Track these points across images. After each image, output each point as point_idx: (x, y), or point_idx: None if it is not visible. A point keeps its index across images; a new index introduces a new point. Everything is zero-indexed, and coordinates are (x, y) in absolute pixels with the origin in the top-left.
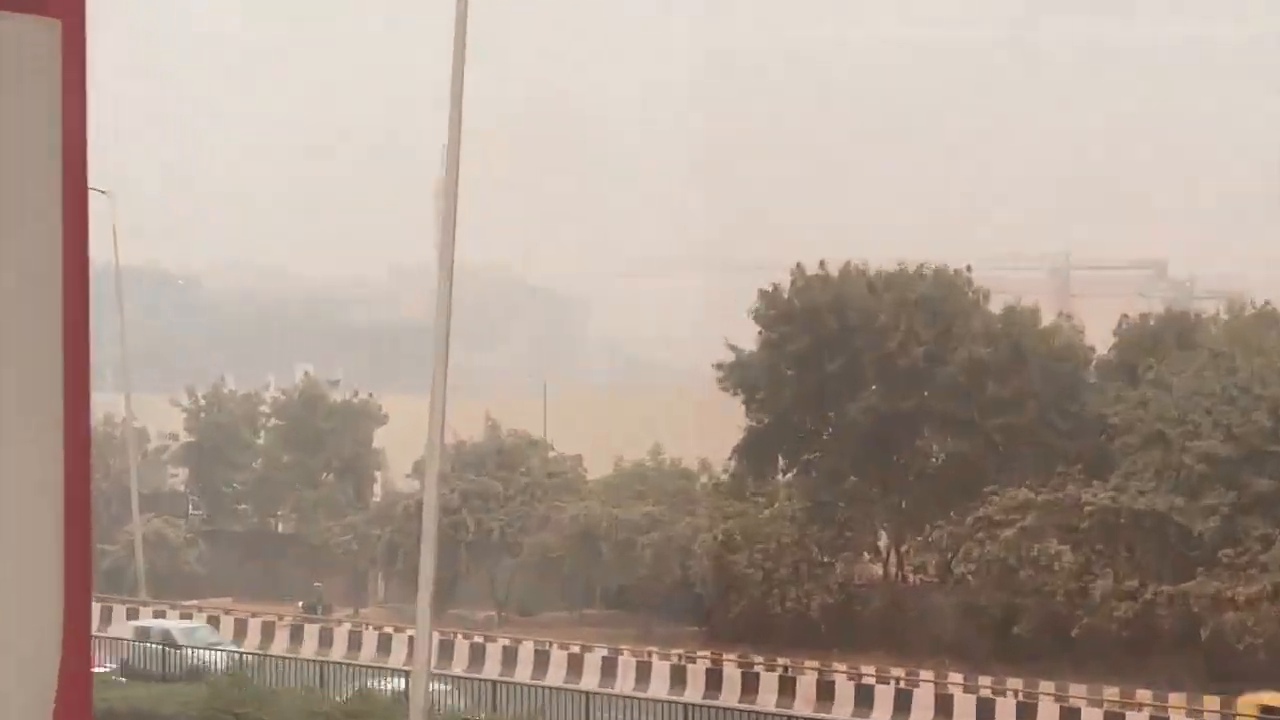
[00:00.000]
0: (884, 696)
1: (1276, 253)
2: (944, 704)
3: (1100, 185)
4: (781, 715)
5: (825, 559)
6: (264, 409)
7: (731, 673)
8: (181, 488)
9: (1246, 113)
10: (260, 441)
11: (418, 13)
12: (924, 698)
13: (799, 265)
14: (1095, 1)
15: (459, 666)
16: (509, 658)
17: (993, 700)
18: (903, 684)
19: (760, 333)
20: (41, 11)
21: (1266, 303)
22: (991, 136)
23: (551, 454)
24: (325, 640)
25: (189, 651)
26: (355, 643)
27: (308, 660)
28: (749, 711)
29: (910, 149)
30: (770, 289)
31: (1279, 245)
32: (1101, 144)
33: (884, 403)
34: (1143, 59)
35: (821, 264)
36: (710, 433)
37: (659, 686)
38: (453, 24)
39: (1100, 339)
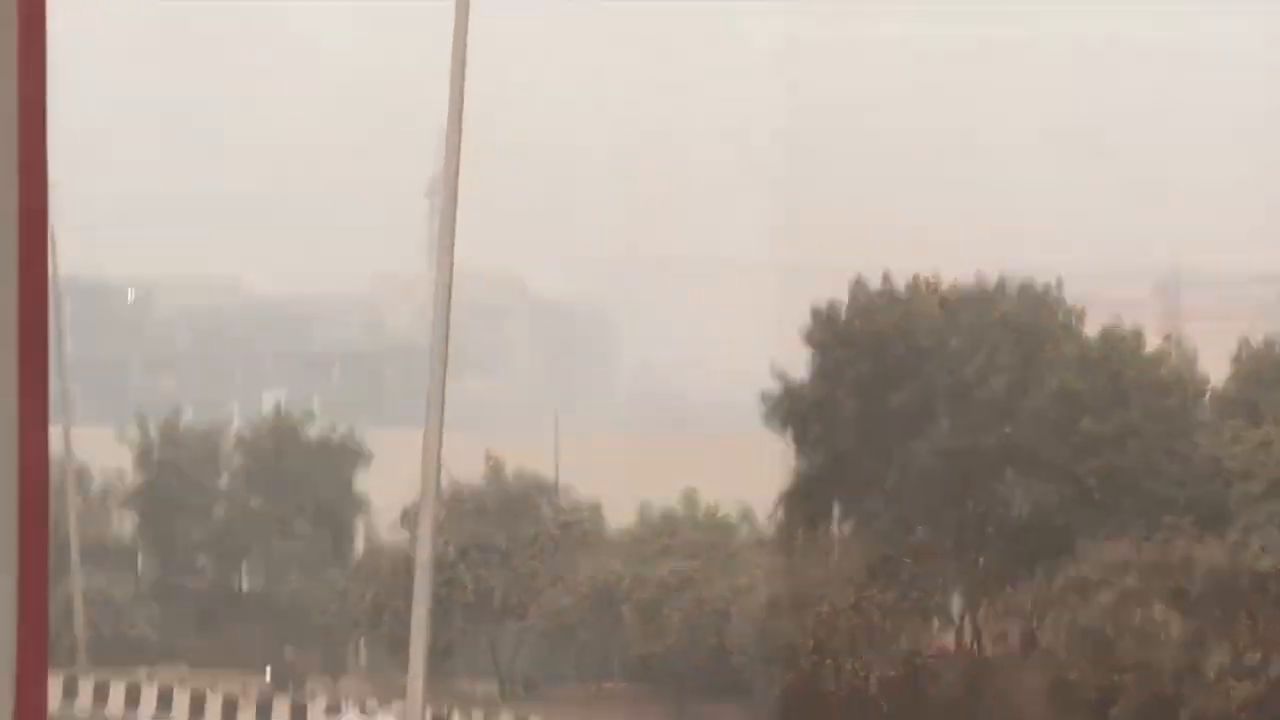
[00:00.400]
0: None
1: None
2: None
3: (1216, 187)
4: None
5: (888, 625)
6: (227, 445)
7: None
8: (129, 538)
9: None
10: (222, 484)
11: None
12: None
13: (859, 278)
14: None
15: None
16: None
17: None
18: None
19: (814, 358)
20: None
21: None
22: (1085, 130)
23: (564, 500)
24: (297, 716)
25: None
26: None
27: None
28: None
29: (988, 144)
30: (825, 307)
31: None
32: (1217, 139)
33: (958, 441)
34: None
35: (886, 277)
36: (753, 476)
37: None
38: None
39: (1216, 368)
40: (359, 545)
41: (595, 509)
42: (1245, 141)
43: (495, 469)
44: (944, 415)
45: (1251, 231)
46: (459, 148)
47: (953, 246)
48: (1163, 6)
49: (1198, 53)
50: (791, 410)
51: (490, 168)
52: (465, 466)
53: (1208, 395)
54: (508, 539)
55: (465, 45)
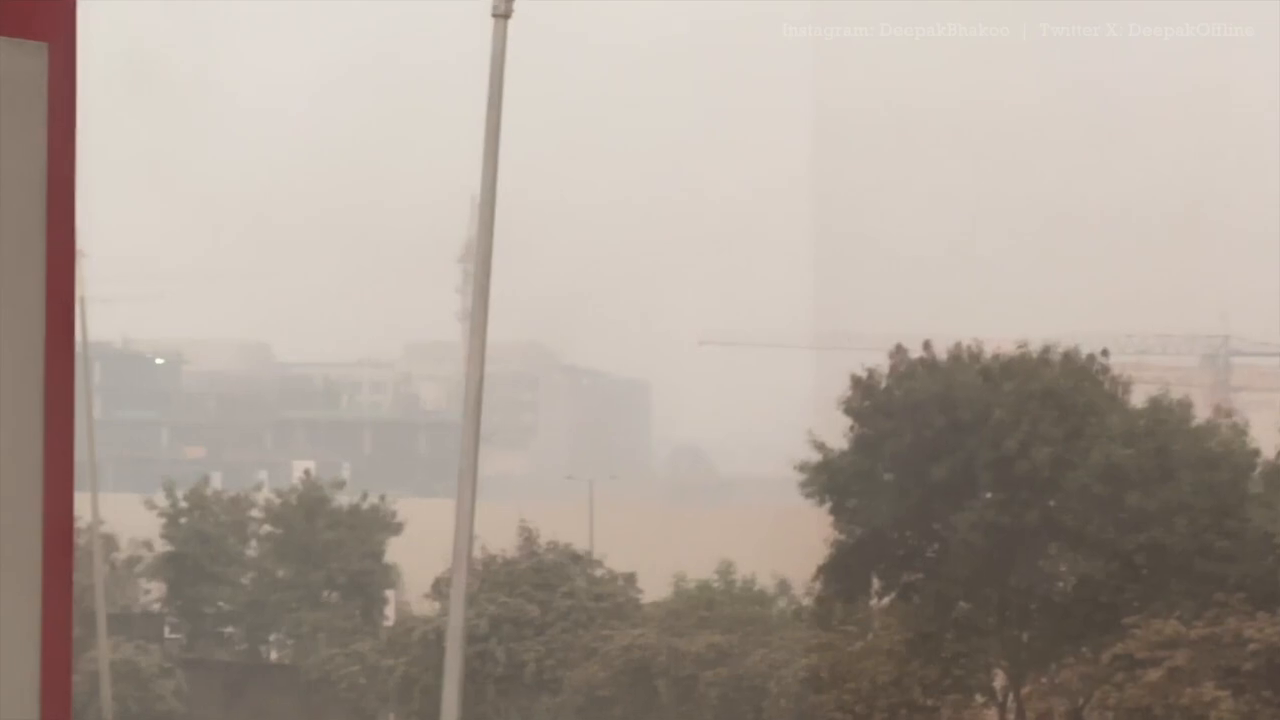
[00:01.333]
0: None
1: None
2: None
3: (1267, 251)
4: None
5: (929, 702)
6: (255, 514)
7: None
8: (156, 606)
9: None
10: (251, 553)
11: (447, 37)
12: None
13: (899, 346)
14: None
15: None
16: None
17: None
18: None
19: (853, 428)
20: (27, 34)
21: None
22: (1133, 192)
23: (598, 572)
24: None
25: None
26: None
27: None
28: None
29: (1033, 207)
30: (865, 375)
31: None
32: (1270, 203)
33: (1001, 515)
34: None
35: (927, 345)
36: (791, 548)
37: None
38: (488, 59)
39: (1267, 440)
40: (390, 616)
41: (630, 581)
42: None
43: (529, 540)
44: (986, 488)
45: None
46: (493, 213)
47: (994, 313)
48: (1209, 65)
49: (1247, 112)
50: (830, 481)
51: (525, 235)
52: (498, 537)
53: (1259, 468)
54: (541, 611)
55: (500, 109)
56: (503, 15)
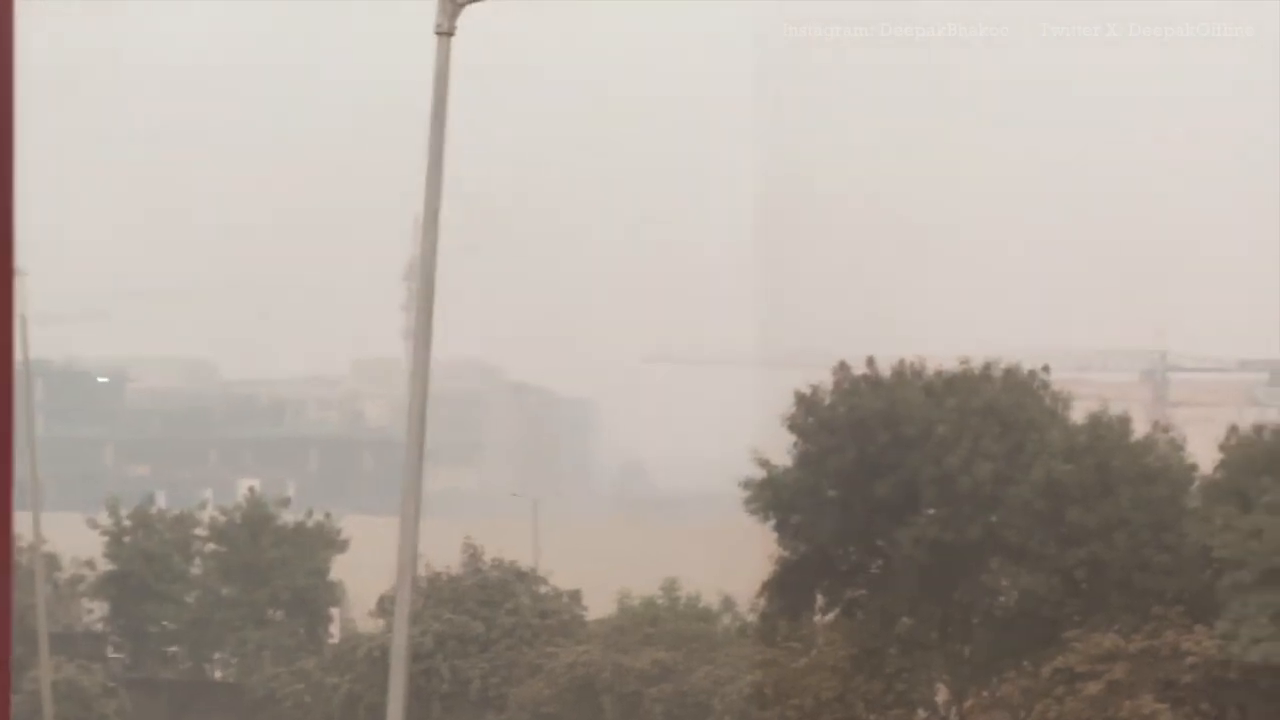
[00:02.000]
0: None
1: None
2: None
3: (1204, 271)
4: None
5: (872, 717)
6: (200, 532)
7: None
8: (99, 626)
9: None
10: (195, 571)
11: (390, 60)
12: None
13: (843, 363)
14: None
15: None
16: None
17: None
18: None
19: (796, 445)
20: None
21: None
22: (1073, 214)
23: (543, 589)
24: None
25: None
26: None
27: None
28: None
29: (972, 227)
30: (809, 392)
31: None
32: (1206, 222)
33: (944, 530)
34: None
35: (870, 362)
36: (735, 565)
37: None
38: (431, 80)
39: (1205, 455)
40: (335, 634)
41: (575, 598)
42: (1235, 226)
43: (473, 556)
44: (930, 504)
45: (1238, 317)
46: (436, 231)
47: (937, 330)
48: (1161, 94)
49: (1192, 139)
50: (774, 498)
51: (471, 252)
52: (443, 554)
53: (1196, 483)
54: (486, 628)
55: (444, 127)
56: (446, 33)
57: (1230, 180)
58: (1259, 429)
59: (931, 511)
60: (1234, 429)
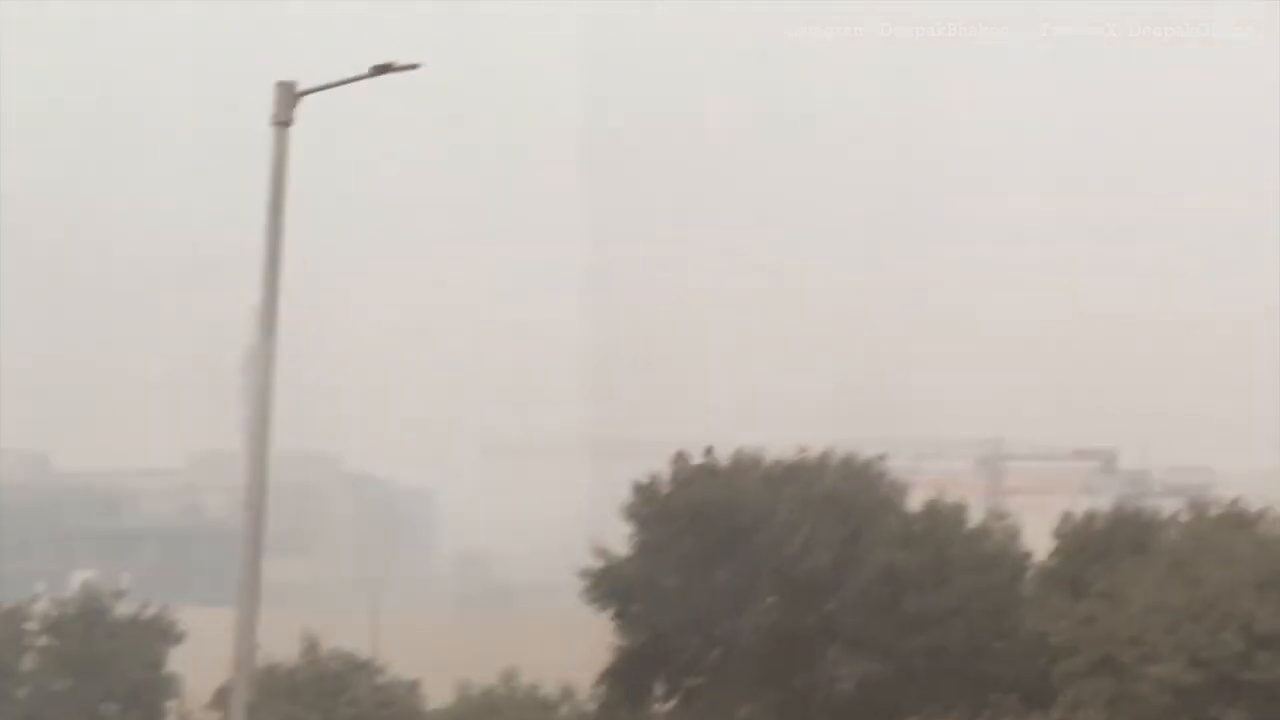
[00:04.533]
0: None
1: (1245, 440)
2: None
3: (1039, 362)
4: None
5: None
6: (31, 626)
7: None
8: None
9: (1210, 278)
10: (27, 666)
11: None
12: None
13: (680, 452)
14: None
15: None
16: None
17: None
18: None
19: (635, 534)
20: None
21: (1235, 500)
22: (907, 300)
23: (382, 679)
24: None
25: None
26: None
27: None
28: None
29: (812, 314)
30: (647, 481)
31: (1248, 432)
32: (1042, 314)
33: (783, 618)
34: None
35: (708, 451)
36: (574, 654)
37: None
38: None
39: (1039, 543)
40: None
41: (413, 688)
42: (1067, 320)
43: (311, 648)
44: (768, 592)
45: (1071, 407)
46: (274, 321)
47: (775, 419)
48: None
49: (1006, 218)
50: (612, 587)
51: (310, 344)
52: (281, 645)
53: (1031, 570)
54: (324, 719)
55: (282, 218)
56: (283, 124)
57: (1061, 276)
58: (1091, 516)
59: (770, 599)
60: (1067, 516)
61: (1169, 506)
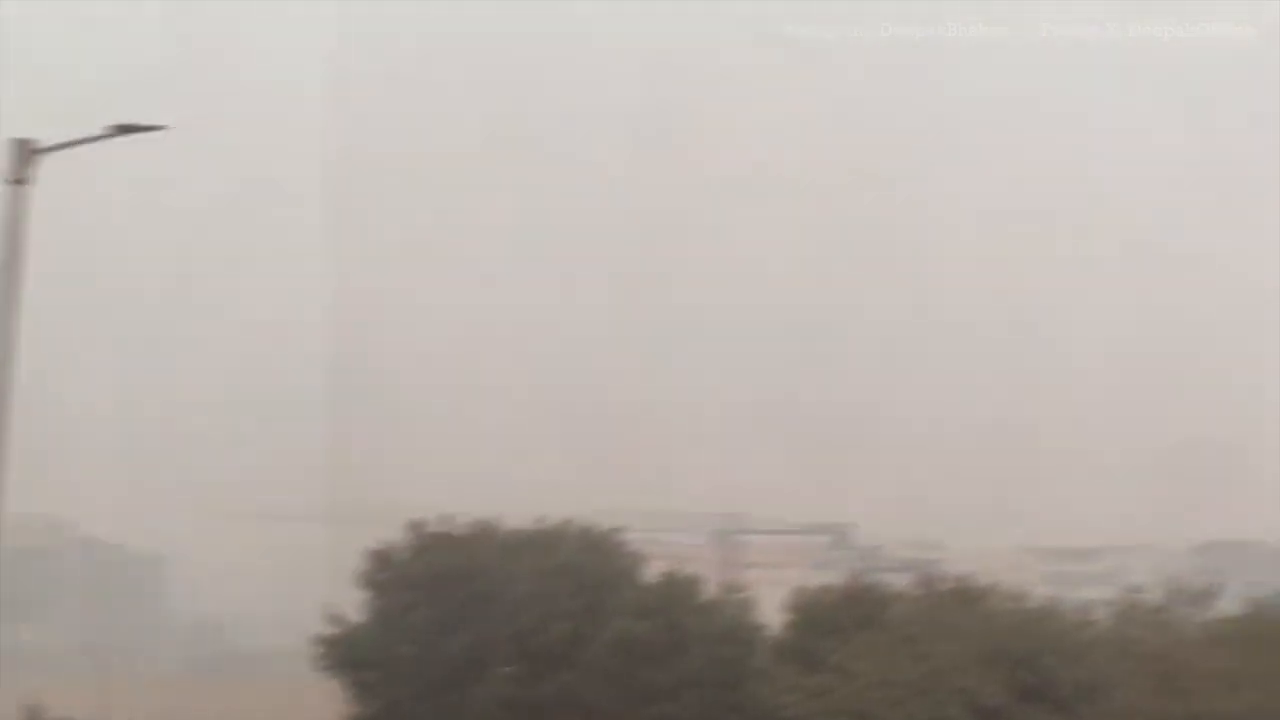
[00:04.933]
0: None
1: (975, 519)
2: None
3: (776, 435)
4: None
5: None
6: None
7: None
8: None
9: (937, 356)
10: None
11: None
12: None
13: (418, 520)
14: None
15: None
16: None
17: None
18: None
19: (371, 601)
20: None
21: (963, 577)
22: (643, 375)
23: None
24: None
25: None
26: None
27: None
28: None
29: (556, 386)
30: (383, 548)
31: (977, 510)
32: (775, 382)
33: (519, 688)
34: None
35: (446, 519)
36: None
37: None
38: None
39: (773, 616)
40: None
41: None
42: (801, 400)
43: (34, 715)
44: (505, 661)
45: (807, 482)
46: (9, 384)
47: (514, 489)
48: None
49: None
50: (347, 655)
51: (35, 406)
52: (4, 711)
53: (765, 643)
54: None
55: (19, 277)
56: (19, 182)
57: (799, 352)
58: (824, 590)
59: (507, 669)
60: (801, 590)
61: (900, 582)
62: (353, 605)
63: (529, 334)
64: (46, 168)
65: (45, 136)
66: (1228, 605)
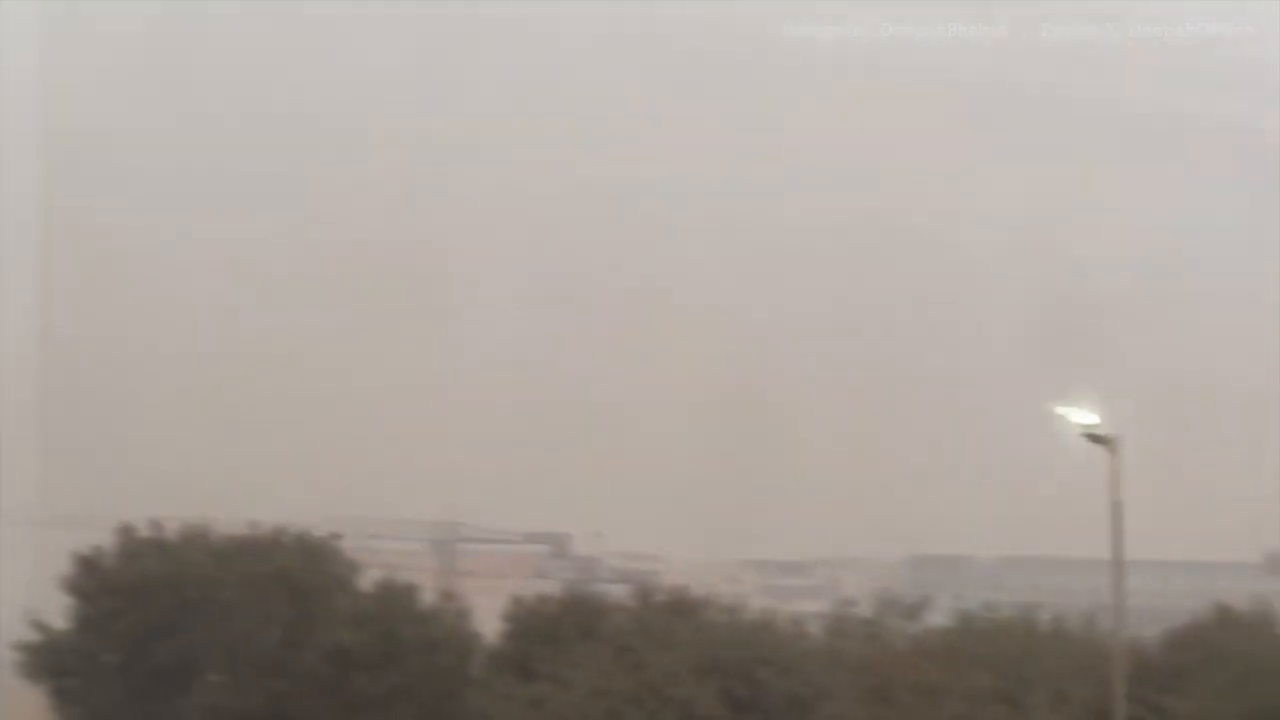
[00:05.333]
0: None
1: (688, 533)
2: None
3: (493, 443)
4: None
5: None
6: None
7: None
8: None
9: (659, 373)
10: None
11: None
12: None
13: (126, 524)
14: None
15: None
16: None
17: None
18: None
19: (76, 607)
20: None
21: (680, 588)
22: (367, 373)
23: None
24: None
25: None
26: None
27: None
28: None
29: (273, 388)
30: (90, 553)
31: (690, 524)
32: (494, 393)
33: (228, 697)
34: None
35: (155, 524)
36: None
37: None
38: None
39: (490, 625)
40: None
41: None
42: (532, 399)
43: None
44: (214, 670)
45: (525, 491)
46: None
47: (226, 494)
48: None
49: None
50: (50, 662)
51: None
52: None
53: (481, 652)
54: None
55: None
56: None
57: (532, 361)
58: (542, 600)
59: (216, 678)
60: (518, 600)
61: (618, 592)
62: (58, 611)
63: (242, 334)
64: None
65: None
66: (937, 618)
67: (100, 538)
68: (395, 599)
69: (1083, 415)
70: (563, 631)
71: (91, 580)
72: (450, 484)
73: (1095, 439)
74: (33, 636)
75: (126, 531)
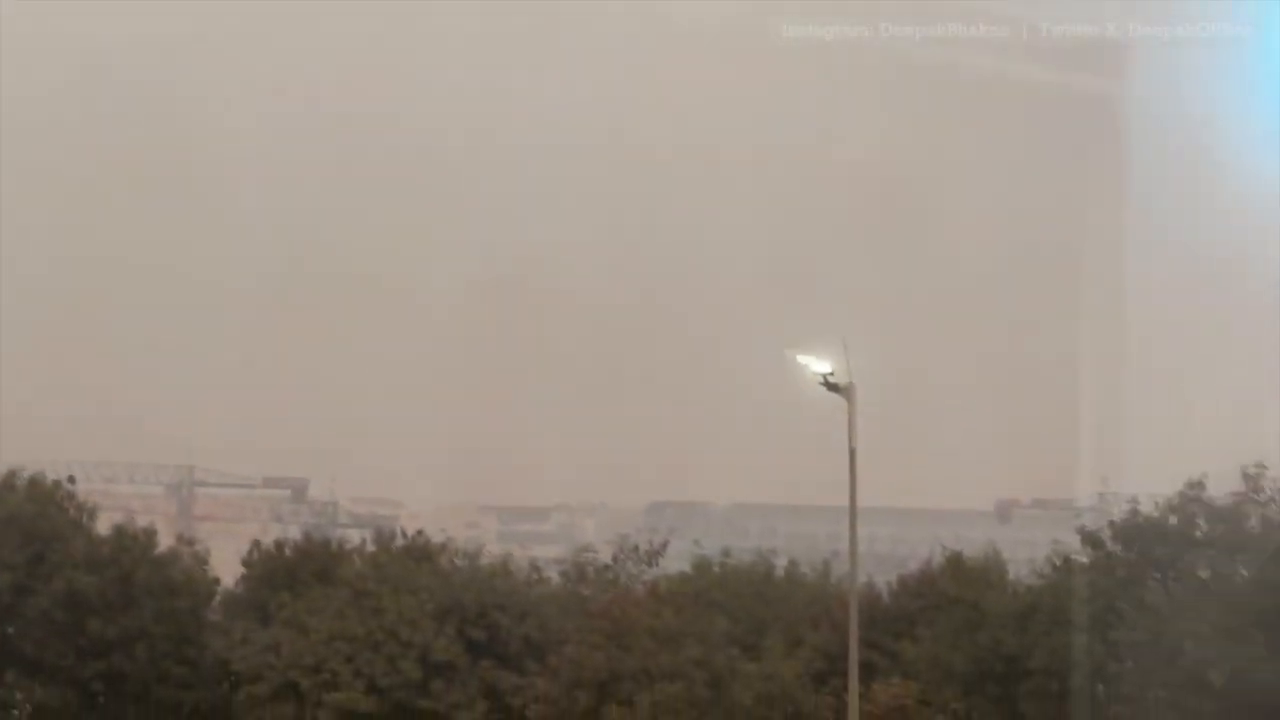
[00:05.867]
0: None
1: (427, 478)
2: None
3: (230, 387)
4: None
5: None
6: None
7: None
8: None
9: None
10: None
11: None
12: None
13: None
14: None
15: None
16: None
17: None
18: None
19: None
20: None
21: (419, 533)
22: (107, 313)
23: None
24: None
25: None
26: None
27: None
28: None
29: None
30: None
31: (429, 469)
32: (230, 336)
33: None
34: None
35: None
36: None
37: None
38: None
39: (228, 570)
40: None
41: None
42: (269, 340)
43: None
44: None
45: (262, 436)
46: None
47: None
48: None
49: None
50: None
51: None
52: None
53: (219, 596)
54: None
55: None
56: None
57: (281, 295)
58: (280, 545)
59: None
60: (256, 544)
61: (356, 537)
62: None
63: (18, 265)
64: None
65: None
66: (674, 564)
67: None
68: (131, 543)
69: (821, 363)
70: (301, 576)
71: None
72: (188, 428)
73: (832, 387)
74: None
75: None
